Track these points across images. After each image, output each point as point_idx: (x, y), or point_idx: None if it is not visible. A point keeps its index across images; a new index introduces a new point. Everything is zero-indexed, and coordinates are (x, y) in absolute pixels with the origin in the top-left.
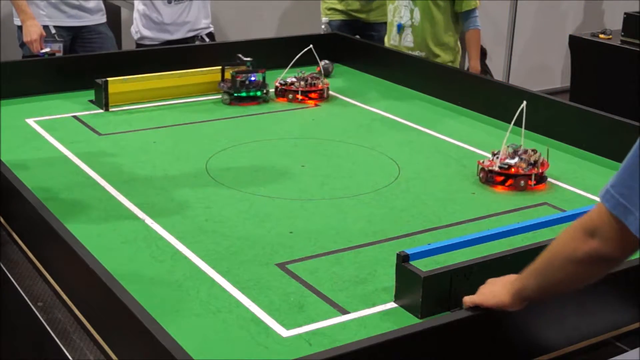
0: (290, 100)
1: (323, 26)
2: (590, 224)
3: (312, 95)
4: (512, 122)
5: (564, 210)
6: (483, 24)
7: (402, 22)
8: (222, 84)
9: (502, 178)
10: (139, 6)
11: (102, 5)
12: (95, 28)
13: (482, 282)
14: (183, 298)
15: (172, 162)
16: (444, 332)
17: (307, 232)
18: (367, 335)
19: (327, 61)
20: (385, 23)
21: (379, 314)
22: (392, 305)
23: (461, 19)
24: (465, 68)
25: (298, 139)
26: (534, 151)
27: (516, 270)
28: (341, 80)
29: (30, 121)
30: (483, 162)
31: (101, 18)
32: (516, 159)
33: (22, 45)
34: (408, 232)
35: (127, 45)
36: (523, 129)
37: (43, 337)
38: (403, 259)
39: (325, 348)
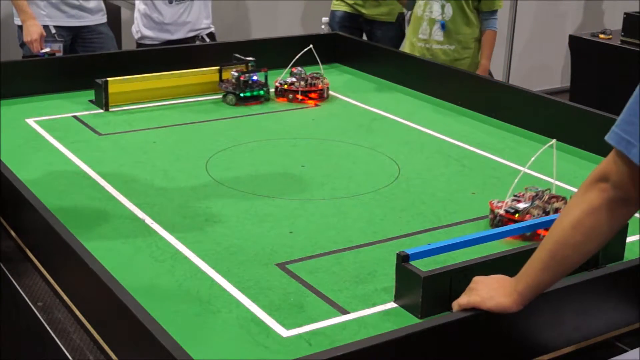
0: (290, 100)
1: (323, 26)
2: (600, 171)
3: (312, 95)
4: (527, 165)
5: None
6: None
7: (434, 16)
8: (223, 85)
9: (511, 224)
10: (139, 6)
11: (103, 5)
12: (96, 28)
13: None
14: (183, 298)
15: (172, 162)
16: (444, 332)
17: (307, 232)
18: (367, 335)
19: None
20: (390, 23)
21: (379, 314)
22: (392, 305)
23: (482, 17)
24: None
25: (298, 139)
26: (558, 198)
27: (516, 270)
28: (341, 80)
29: (30, 121)
30: (494, 203)
31: (102, 18)
32: (527, 204)
33: (23, 45)
34: (408, 232)
35: (127, 45)
36: (555, 173)
37: (43, 337)
38: (403, 259)
39: (325, 348)
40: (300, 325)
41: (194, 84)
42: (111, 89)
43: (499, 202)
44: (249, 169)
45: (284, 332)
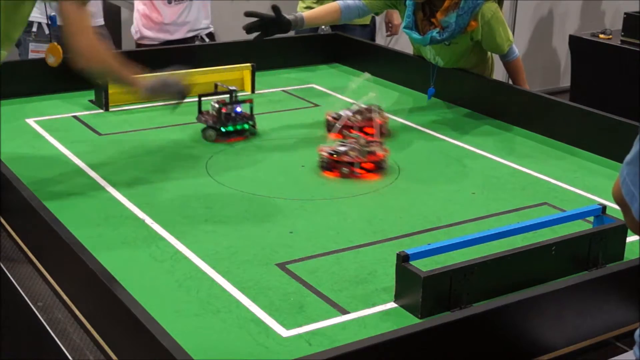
0: (344, 175)
1: (323, 26)
2: (618, 203)
3: (368, 166)
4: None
5: (564, 210)
6: None
7: (428, 57)
8: (202, 117)
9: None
10: (139, 6)
11: (101, 8)
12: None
13: (482, 282)
14: (183, 298)
15: (172, 162)
16: (444, 332)
17: (307, 232)
18: (367, 335)
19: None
20: (364, 26)
21: (379, 314)
22: (392, 305)
23: (499, 55)
24: None
25: (298, 139)
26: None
27: (516, 269)
28: (341, 80)
29: (30, 121)
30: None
31: (98, 21)
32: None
33: (19, 44)
34: (408, 232)
35: (127, 45)
36: None
37: (43, 337)
38: (403, 259)
39: (325, 348)
40: (300, 325)
41: (193, 84)
42: (111, 89)
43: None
44: (249, 169)
45: (284, 332)
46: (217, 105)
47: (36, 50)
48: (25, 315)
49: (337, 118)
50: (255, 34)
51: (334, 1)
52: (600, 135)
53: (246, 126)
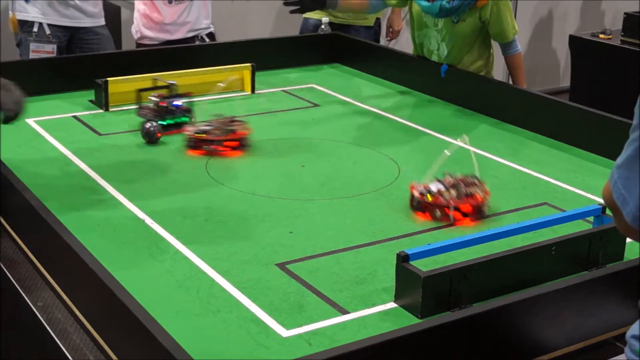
0: (208, 153)
1: (323, 26)
2: (608, 206)
3: (231, 144)
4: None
5: (564, 210)
6: None
7: (432, 48)
8: (142, 112)
9: (428, 205)
10: (139, 6)
11: (101, 8)
12: (93, 29)
13: (482, 282)
14: (183, 298)
15: (172, 162)
16: (444, 332)
17: (307, 232)
18: (367, 335)
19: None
20: (368, 28)
21: (379, 314)
22: (392, 305)
23: (501, 46)
24: None
25: (298, 139)
26: (476, 184)
27: (516, 269)
28: (341, 80)
29: (30, 121)
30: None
31: (99, 21)
32: (441, 186)
33: (19, 44)
34: (408, 232)
35: (127, 45)
36: (475, 166)
37: (43, 337)
38: (403, 259)
39: (325, 348)
40: (300, 325)
41: (194, 84)
42: (111, 89)
43: (419, 184)
44: (249, 169)
45: (284, 332)
46: (155, 99)
47: (37, 50)
48: (25, 315)
49: (425, 194)
50: (292, 8)
51: None
52: (600, 135)
53: (185, 119)
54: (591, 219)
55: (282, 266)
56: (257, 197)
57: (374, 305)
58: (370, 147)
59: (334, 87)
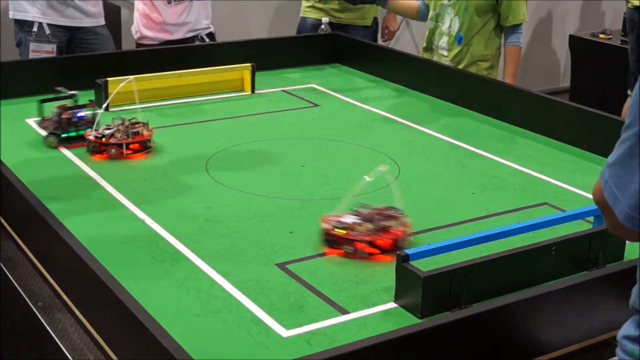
0: (111, 157)
1: (323, 26)
2: (599, 205)
3: (135, 147)
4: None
5: (564, 210)
6: None
7: (443, 28)
8: (43, 123)
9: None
10: (139, 6)
11: (101, 9)
12: (93, 29)
13: (482, 282)
14: (183, 298)
15: (172, 162)
16: (444, 332)
17: (307, 232)
18: (367, 335)
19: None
20: (366, 27)
21: (379, 314)
22: (392, 305)
23: (505, 32)
24: None
25: (298, 139)
26: (395, 217)
27: (516, 269)
28: (341, 80)
29: (30, 121)
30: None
31: (99, 21)
32: (355, 219)
33: (19, 44)
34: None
35: (127, 45)
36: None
37: (43, 337)
38: (403, 259)
39: (325, 348)
40: (300, 325)
41: (194, 84)
42: (111, 89)
43: (332, 216)
44: (249, 169)
45: (284, 332)
46: (56, 110)
47: (37, 50)
48: (25, 315)
49: (337, 227)
50: None
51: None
52: (600, 135)
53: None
54: (591, 219)
55: (282, 266)
56: (257, 197)
57: (374, 305)
58: (370, 147)
59: (334, 87)
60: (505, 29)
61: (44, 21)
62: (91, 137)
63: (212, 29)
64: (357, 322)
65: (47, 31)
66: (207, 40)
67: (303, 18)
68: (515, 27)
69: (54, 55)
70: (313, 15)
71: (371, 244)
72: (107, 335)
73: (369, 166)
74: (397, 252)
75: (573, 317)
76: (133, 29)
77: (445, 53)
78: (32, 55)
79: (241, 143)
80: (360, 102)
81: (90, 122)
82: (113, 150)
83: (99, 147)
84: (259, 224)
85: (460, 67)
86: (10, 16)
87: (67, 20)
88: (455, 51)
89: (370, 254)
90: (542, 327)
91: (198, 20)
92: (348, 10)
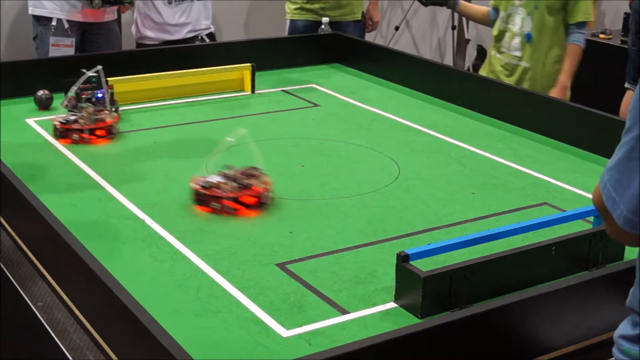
0: (75, 142)
1: (323, 26)
2: (598, 209)
3: (99, 132)
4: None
5: (564, 210)
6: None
7: (515, 29)
8: (66, 103)
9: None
10: (139, 6)
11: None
12: (105, 24)
13: (482, 282)
14: (183, 298)
15: (172, 162)
16: (444, 332)
17: (307, 232)
18: (367, 335)
19: (46, 92)
20: (357, 21)
21: (379, 314)
22: (392, 305)
23: (568, 30)
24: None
25: (298, 139)
26: (256, 175)
27: (516, 269)
28: (341, 80)
29: (30, 121)
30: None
31: (112, 15)
32: (220, 179)
33: (35, 37)
34: (408, 232)
35: (127, 45)
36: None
37: (43, 337)
38: (403, 259)
39: (325, 348)
40: (300, 325)
41: (194, 84)
42: (114, 89)
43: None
44: None
45: (284, 332)
46: (77, 90)
47: (57, 44)
48: (25, 315)
49: (205, 186)
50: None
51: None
52: (600, 135)
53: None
54: (591, 219)
55: (282, 266)
56: None
57: (374, 305)
58: (370, 147)
59: (334, 87)
60: (569, 27)
61: (63, 17)
62: (57, 123)
63: (212, 29)
64: (357, 322)
65: (66, 25)
66: (207, 40)
67: (293, 21)
68: (580, 26)
69: (72, 48)
70: (303, 17)
71: (236, 200)
72: (107, 335)
73: (369, 166)
74: (397, 252)
75: (573, 317)
76: (133, 29)
77: (518, 54)
78: (52, 49)
79: (241, 143)
80: (360, 102)
81: (108, 103)
82: (75, 136)
83: (63, 133)
84: (259, 224)
85: (539, 69)
86: (30, 12)
87: (81, 16)
88: (528, 51)
89: (236, 210)
90: (542, 327)
91: (198, 21)
92: (337, 7)
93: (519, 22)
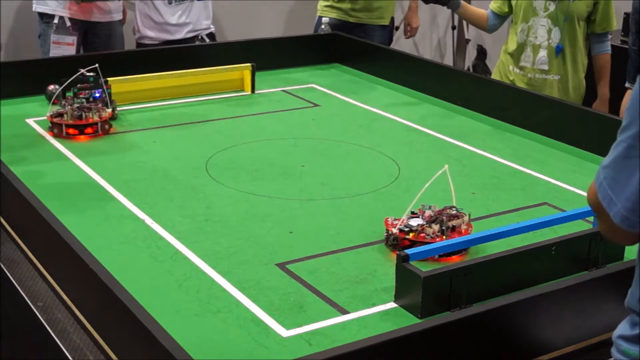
0: (56, 135)
1: (323, 26)
2: (593, 207)
3: (74, 130)
4: (428, 183)
5: (564, 210)
6: None
7: (538, 42)
8: (64, 102)
9: (407, 243)
10: (139, 6)
11: (121, 3)
12: (107, 24)
13: (482, 282)
14: (183, 298)
15: (172, 162)
16: (444, 332)
17: (307, 232)
18: (367, 335)
19: (56, 86)
20: (384, 26)
21: (379, 314)
22: (392, 305)
23: (594, 40)
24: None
25: (298, 139)
26: (458, 216)
27: (516, 269)
28: (341, 80)
29: (30, 121)
30: (389, 221)
31: (115, 16)
32: (422, 221)
33: (40, 35)
34: None
35: (127, 45)
36: (453, 195)
37: (43, 337)
38: (403, 259)
39: (325, 348)
40: (300, 325)
41: (194, 84)
42: (113, 88)
43: (394, 220)
44: (249, 169)
45: (284, 332)
46: (75, 90)
47: (57, 42)
48: (25, 315)
49: (406, 231)
50: None
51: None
52: (600, 135)
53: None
54: (591, 219)
55: (282, 266)
56: (257, 197)
57: (374, 305)
58: (370, 147)
59: (334, 87)
60: (594, 36)
61: (66, 15)
62: (47, 115)
63: (212, 29)
64: (357, 322)
65: (68, 23)
66: (207, 40)
67: (321, 18)
68: (607, 35)
69: (74, 47)
70: (330, 14)
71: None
72: (107, 335)
73: (369, 166)
74: (397, 253)
75: (573, 317)
76: (133, 29)
77: (545, 67)
78: (52, 47)
79: (241, 143)
80: (360, 102)
81: (106, 102)
82: (55, 130)
83: (53, 126)
84: (259, 224)
85: (569, 80)
86: (33, 9)
87: (83, 15)
88: (557, 63)
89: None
90: (542, 327)
91: (199, 21)
92: (366, 10)
93: (544, 34)
